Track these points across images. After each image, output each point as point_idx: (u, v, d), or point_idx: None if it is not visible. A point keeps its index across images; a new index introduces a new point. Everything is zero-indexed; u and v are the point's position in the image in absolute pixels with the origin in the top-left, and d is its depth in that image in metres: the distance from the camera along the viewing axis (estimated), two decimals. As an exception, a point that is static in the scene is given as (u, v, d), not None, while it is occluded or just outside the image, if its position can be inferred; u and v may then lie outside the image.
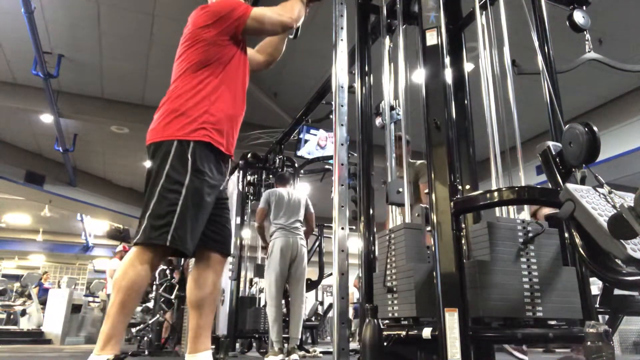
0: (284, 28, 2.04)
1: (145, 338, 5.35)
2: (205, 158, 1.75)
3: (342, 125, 2.52)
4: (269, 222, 4.20)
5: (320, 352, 4.78)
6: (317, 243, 6.06)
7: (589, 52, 2.17)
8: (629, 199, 1.29)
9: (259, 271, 5.23)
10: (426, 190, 1.81)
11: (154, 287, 5.40)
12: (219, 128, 1.80)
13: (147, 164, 1.76)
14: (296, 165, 6.05)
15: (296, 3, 2.06)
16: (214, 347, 3.94)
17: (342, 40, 2.65)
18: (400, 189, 2.19)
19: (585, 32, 2.14)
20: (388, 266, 2.01)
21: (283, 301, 4.32)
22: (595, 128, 1.33)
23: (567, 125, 1.41)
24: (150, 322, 5.27)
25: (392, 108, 2.51)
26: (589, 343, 1.21)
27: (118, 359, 1.51)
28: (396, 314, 1.89)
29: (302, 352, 4.47)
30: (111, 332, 1.53)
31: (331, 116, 2.65)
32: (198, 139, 1.74)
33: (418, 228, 1.99)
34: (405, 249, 1.92)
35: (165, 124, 1.76)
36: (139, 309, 5.82)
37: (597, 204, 1.25)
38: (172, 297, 5.36)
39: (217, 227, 1.85)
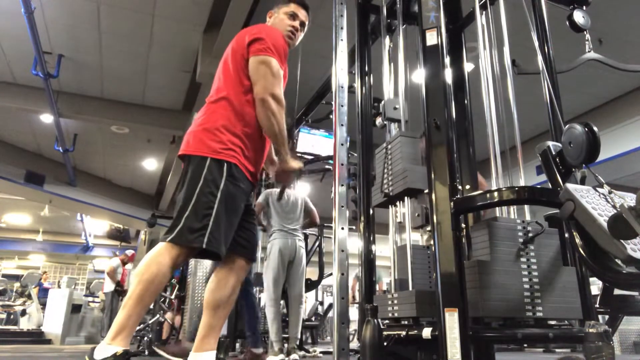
0: (265, 93, 1.78)
1: (145, 338, 5.35)
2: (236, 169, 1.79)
3: (342, 125, 2.52)
4: (267, 222, 4.20)
5: (320, 352, 4.78)
6: (317, 243, 6.05)
7: (589, 52, 2.17)
8: (629, 199, 1.29)
9: (259, 280, 5.22)
10: None
11: None
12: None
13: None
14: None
15: (286, 143, 1.85)
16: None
17: (342, 40, 2.65)
18: (397, 106, 2.19)
19: (585, 32, 2.14)
20: (385, 175, 2.08)
21: (282, 301, 4.33)
22: (595, 128, 1.33)
23: (567, 125, 1.41)
24: (150, 322, 5.27)
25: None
26: (589, 343, 1.21)
27: (125, 355, 1.52)
28: (396, 314, 1.89)
29: (302, 352, 4.47)
30: (124, 323, 1.55)
31: (331, 116, 2.64)
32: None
33: (413, 136, 2.05)
34: (401, 154, 2.00)
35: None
36: None
37: (597, 204, 1.25)
38: (172, 296, 5.36)
39: (245, 232, 1.89)
